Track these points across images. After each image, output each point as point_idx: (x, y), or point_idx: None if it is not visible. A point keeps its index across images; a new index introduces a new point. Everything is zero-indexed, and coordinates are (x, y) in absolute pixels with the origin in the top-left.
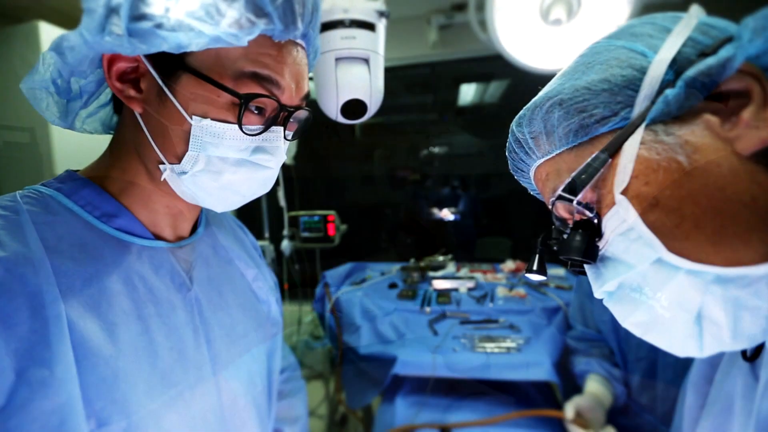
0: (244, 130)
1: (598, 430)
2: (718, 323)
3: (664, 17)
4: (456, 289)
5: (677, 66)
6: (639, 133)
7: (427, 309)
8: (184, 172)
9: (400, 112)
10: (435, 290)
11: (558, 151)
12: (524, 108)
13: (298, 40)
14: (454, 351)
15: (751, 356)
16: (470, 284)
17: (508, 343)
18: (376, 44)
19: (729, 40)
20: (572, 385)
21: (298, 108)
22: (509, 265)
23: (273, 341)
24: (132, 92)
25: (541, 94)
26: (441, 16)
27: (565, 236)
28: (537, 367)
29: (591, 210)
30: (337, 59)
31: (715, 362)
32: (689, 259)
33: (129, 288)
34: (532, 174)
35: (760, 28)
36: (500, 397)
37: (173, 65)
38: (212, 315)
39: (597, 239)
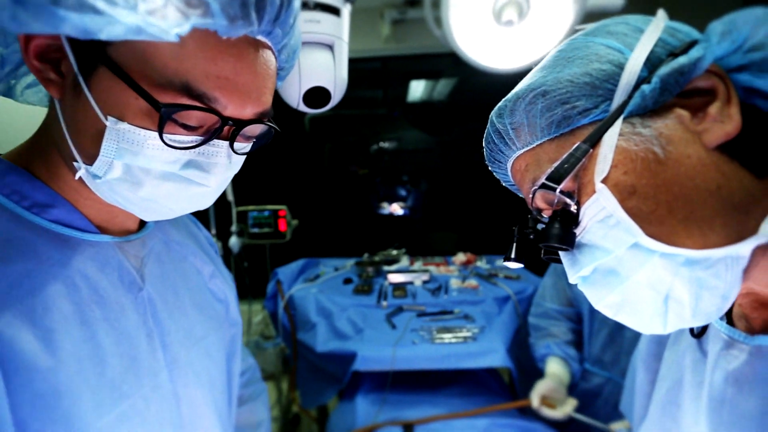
0: (168, 142)
1: (562, 405)
2: (682, 303)
3: (635, 19)
4: (411, 283)
5: (650, 64)
6: (618, 125)
7: (384, 303)
8: (98, 177)
9: (351, 106)
10: (391, 284)
11: (539, 142)
12: (504, 100)
13: (261, 38)
14: (414, 344)
15: (698, 333)
16: (425, 277)
17: (465, 333)
18: (340, 30)
19: (694, 43)
20: (524, 368)
21: (252, 122)
22: (461, 257)
23: (233, 343)
24: (52, 74)
25: (521, 86)
26: (394, 10)
27: (540, 226)
28: (493, 354)
29: (572, 198)
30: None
31: (662, 340)
32: (664, 243)
33: (70, 289)
34: (509, 165)
35: (726, 32)
36: (459, 388)
37: (93, 53)
38: (167, 316)
39: (574, 227)
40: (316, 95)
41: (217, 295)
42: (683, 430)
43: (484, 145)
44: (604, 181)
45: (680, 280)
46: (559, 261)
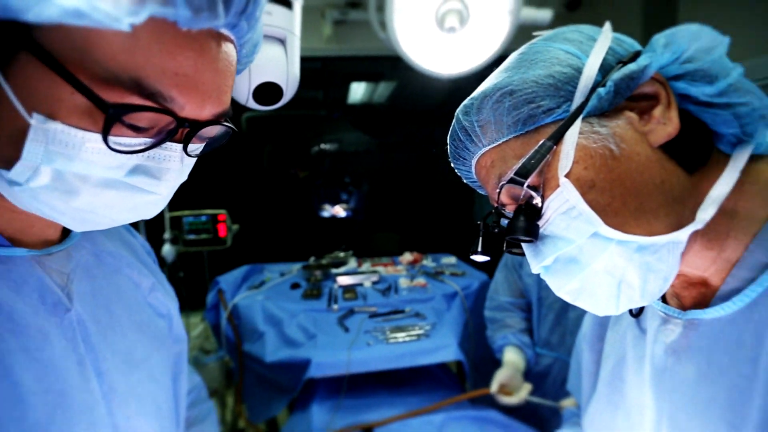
0: (113, 146)
1: (518, 391)
2: (633, 286)
3: (587, 28)
4: (361, 284)
5: (604, 69)
6: (578, 124)
7: (335, 306)
8: (17, 184)
9: (291, 106)
10: (340, 287)
11: (505, 139)
12: (470, 98)
13: (224, 31)
14: (369, 345)
15: (637, 314)
16: (374, 278)
17: (417, 331)
18: (292, 24)
19: (639, 53)
20: (474, 359)
21: (209, 123)
22: (407, 257)
23: (178, 362)
24: None
25: (488, 85)
26: (335, 11)
27: (504, 221)
28: (446, 349)
29: (537, 192)
30: None
31: (604, 323)
32: (620, 232)
33: None
34: (474, 161)
35: (667, 44)
36: (414, 386)
37: (14, 37)
38: (101, 339)
39: (537, 219)
40: (267, 91)
41: (158, 310)
42: (629, 401)
43: (449, 142)
44: (567, 175)
45: (632, 265)
46: (522, 253)
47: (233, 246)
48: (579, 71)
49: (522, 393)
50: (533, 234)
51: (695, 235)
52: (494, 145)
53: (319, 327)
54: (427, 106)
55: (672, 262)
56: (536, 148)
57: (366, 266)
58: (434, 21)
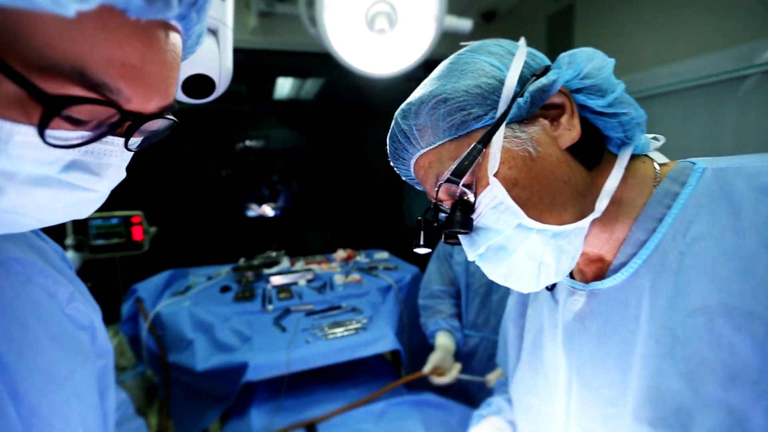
0: (48, 140)
1: (449, 372)
2: (549, 265)
3: (507, 43)
4: (295, 283)
5: (522, 81)
6: (502, 130)
7: (270, 307)
8: None
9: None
10: (274, 287)
11: (441, 142)
12: (407, 103)
13: (172, 22)
14: (308, 343)
15: (551, 287)
16: (309, 276)
17: (355, 325)
18: (224, 14)
19: (548, 67)
20: (409, 348)
21: (153, 116)
22: (341, 254)
23: (104, 376)
24: None
25: (423, 92)
26: (261, 2)
27: (442, 216)
28: (384, 340)
29: (471, 189)
30: None
31: (525, 301)
32: (538, 222)
33: None
34: (413, 162)
35: (570, 63)
36: (354, 379)
37: None
38: (16, 359)
39: (471, 213)
40: (198, 84)
41: (79, 322)
42: (546, 365)
43: (388, 143)
44: (495, 175)
45: (548, 249)
46: (457, 243)
47: (151, 250)
48: (501, 82)
49: (453, 372)
50: (468, 226)
51: (594, 221)
52: (431, 147)
53: (254, 329)
54: (357, 103)
55: (578, 244)
56: (469, 150)
57: (300, 265)
58: (364, 21)
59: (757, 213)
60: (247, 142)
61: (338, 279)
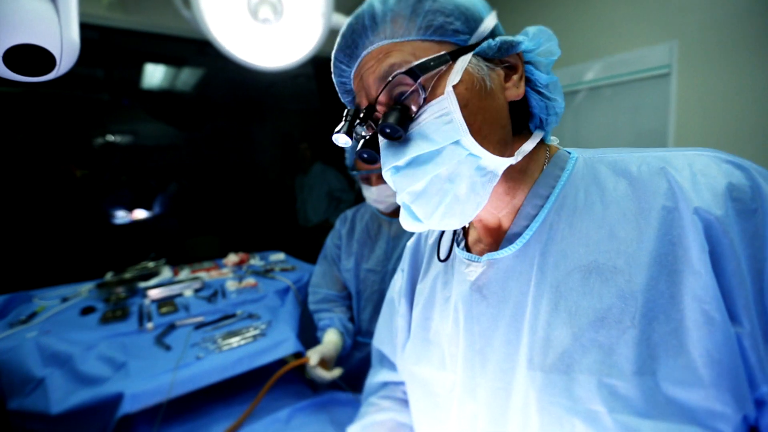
0: None
1: (332, 370)
2: (459, 199)
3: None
4: (180, 294)
5: (492, 30)
6: (470, 55)
7: (150, 325)
8: None
9: (54, 83)
10: (153, 301)
11: (410, 38)
12: None
13: None
14: (199, 358)
15: (444, 258)
16: (196, 285)
17: (252, 332)
18: None
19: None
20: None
21: None
22: (233, 258)
23: None
24: None
25: None
26: None
27: (360, 130)
28: (284, 343)
29: (425, 91)
30: None
31: (414, 278)
32: (477, 144)
33: None
34: (364, 52)
35: (533, 37)
36: (253, 388)
37: None
38: None
39: (411, 119)
40: (29, 57)
41: None
42: (438, 335)
43: (344, 29)
44: (453, 87)
45: (467, 180)
46: (371, 162)
47: None
48: (482, 20)
49: (335, 372)
50: (404, 127)
51: (503, 182)
52: (396, 40)
53: (129, 352)
54: (242, 97)
55: (484, 195)
56: (439, 54)
57: (184, 274)
58: (247, 9)
59: (616, 190)
60: (109, 137)
61: (231, 285)
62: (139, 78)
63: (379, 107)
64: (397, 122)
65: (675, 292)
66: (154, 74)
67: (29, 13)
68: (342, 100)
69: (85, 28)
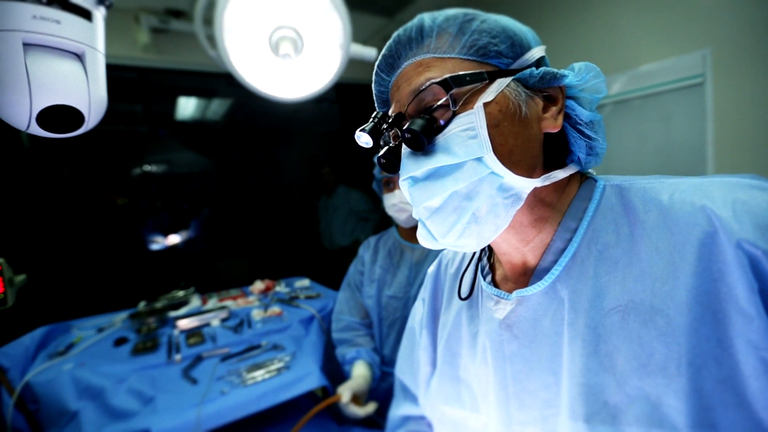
0: None
1: (365, 405)
2: (479, 220)
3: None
4: (207, 324)
5: (538, 59)
6: (509, 79)
7: (177, 357)
8: None
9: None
10: (182, 332)
11: (452, 55)
12: (445, 9)
13: None
14: (223, 393)
15: (466, 297)
16: (223, 314)
17: (277, 365)
18: (93, 38)
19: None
20: (338, 381)
21: None
22: (258, 285)
23: None
24: None
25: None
26: (153, 17)
27: (388, 138)
28: (309, 378)
29: (455, 104)
30: (26, 45)
31: (436, 307)
32: (500, 163)
33: None
34: (405, 64)
35: (580, 71)
36: (280, 423)
37: None
38: None
39: (437, 130)
40: (59, 116)
41: None
42: (468, 374)
43: (388, 44)
44: (485, 104)
45: (488, 200)
46: (391, 169)
47: (18, 304)
48: (528, 48)
49: (369, 407)
50: (429, 137)
51: (528, 211)
52: (438, 55)
53: (158, 386)
54: (268, 125)
55: (506, 216)
56: (477, 71)
57: (212, 302)
58: (268, 46)
59: (645, 222)
60: (146, 167)
61: (256, 314)
62: (173, 110)
63: (408, 117)
64: (420, 129)
65: (722, 335)
66: (187, 106)
67: (59, 75)
68: (378, 110)
69: (124, 69)
